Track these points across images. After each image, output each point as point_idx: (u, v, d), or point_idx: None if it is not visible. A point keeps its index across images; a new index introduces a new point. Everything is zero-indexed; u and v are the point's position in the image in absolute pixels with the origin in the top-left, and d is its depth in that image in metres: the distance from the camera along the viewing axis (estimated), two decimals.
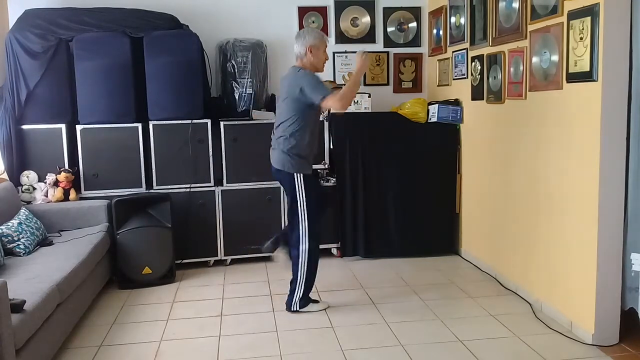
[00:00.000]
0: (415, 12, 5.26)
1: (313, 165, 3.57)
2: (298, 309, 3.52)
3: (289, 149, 3.37)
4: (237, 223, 4.49)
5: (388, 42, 5.27)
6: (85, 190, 4.30)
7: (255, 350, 3.06)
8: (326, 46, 3.47)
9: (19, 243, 3.48)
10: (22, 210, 3.81)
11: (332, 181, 4.64)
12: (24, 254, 3.47)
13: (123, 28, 4.32)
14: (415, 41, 5.30)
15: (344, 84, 4.73)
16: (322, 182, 4.62)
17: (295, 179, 3.38)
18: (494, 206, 4.13)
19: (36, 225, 3.75)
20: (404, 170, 4.62)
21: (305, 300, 3.54)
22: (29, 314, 2.55)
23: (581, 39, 2.99)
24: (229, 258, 4.57)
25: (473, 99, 4.35)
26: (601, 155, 2.93)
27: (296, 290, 3.50)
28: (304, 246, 3.42)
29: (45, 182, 4.21)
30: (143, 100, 4.33)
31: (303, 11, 5.08)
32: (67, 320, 3.12)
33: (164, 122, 4.34)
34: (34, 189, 4.22)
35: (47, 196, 4.20)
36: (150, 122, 4.33)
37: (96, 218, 4.13)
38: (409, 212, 4.66)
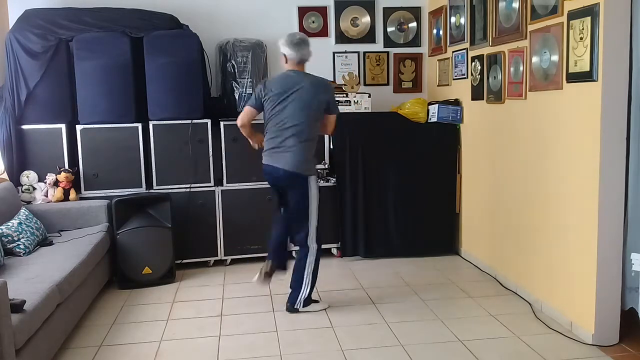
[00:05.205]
0: (415, 12, 5.26)
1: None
2: (302, 307, 3.53)
3: (312, 154, 3.46)
4: (237, 223, 4.49)
5: (388, 42, 5.26)
6: (85, 190, 4.30)
7: (255, 350, 3.06)
8: None
9: (19, 243, 3.48)
10: (22, 210, 3.81)
11: (332, 181, 4.64)
12: (24, 254, 3.47)
13: (123, 28, 4.31)
14: (415, 41, 5.29)
15: (344, 84, 4.75)
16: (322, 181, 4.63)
17: (309, 182, 3.43)
18: (494, 206, 4.13)
19: (36, 225, 3.75)
20: (404, 170, 4.62)
21: (309, 300, 3.56)
22: (29, 314, 2.55)
23: (581, 39, 2.99)
24: (229, 258, 4.56)
25: (473, 99, 4.35)
26: (601, 155, 2.93)
27: (302, 289, 3.51)
28: (313, 247, 3.48)
29: (45, 182, 4.21)
30: (143, 100, 4.33)
31: (303, 11, 5.07)
32: (67, 320, 3.12)
33: (164, 122, 4.34)
34: (34, 189, 4.22)
35: (47, 196, 4.19)
36: (150, 122, 4.33)
37: (96, 218, 4.13)
38: (409, 212, 4.65)
